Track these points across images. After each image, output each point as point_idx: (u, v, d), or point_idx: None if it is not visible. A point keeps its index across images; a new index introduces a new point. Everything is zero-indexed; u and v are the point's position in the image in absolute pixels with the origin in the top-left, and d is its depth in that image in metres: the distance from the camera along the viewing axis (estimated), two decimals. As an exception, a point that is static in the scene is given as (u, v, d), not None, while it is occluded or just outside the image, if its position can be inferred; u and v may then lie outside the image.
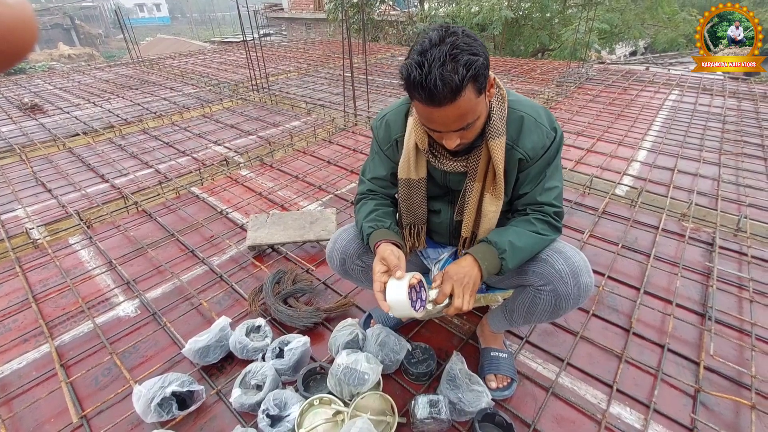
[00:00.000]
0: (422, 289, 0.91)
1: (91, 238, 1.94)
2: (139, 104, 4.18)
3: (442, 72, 0.71)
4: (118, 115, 3.82)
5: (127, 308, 1.52)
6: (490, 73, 0.82)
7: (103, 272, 1.72)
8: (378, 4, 10.48)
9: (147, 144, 3.14)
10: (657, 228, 1.93)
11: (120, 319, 1.48)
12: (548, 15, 8.71)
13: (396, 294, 0.85)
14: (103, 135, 3.35)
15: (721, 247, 1.80)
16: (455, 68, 0.71)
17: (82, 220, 2.06)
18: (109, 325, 1.45)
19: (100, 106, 4.16)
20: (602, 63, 7.88)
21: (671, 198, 2.20)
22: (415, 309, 0.86)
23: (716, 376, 1.23)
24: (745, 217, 1.98)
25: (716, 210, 2.10)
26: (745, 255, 1.75)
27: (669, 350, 1.30)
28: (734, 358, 1.28)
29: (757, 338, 1.35)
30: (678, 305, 1.49)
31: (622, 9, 8.08)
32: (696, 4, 12.86)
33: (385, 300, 0.87)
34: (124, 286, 1.63)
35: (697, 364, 1.26)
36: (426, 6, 10.55)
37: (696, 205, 2.13)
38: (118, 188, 2.41)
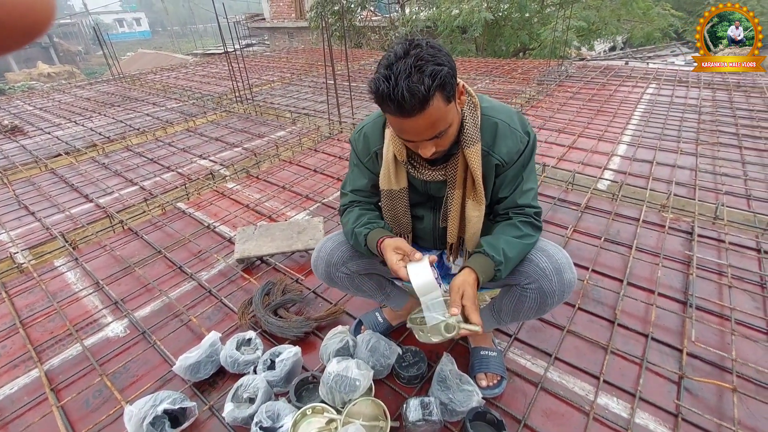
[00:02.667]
0: (438, 269, 0.95)
1: (77, 259, 1.92)
2: (121, 121, 4.16)
3: (408, 83, 0.73)
4: (100, 133, 3.79)
5: (115, 328, 1.52)
6: (459, 80, 0.85)
7: (90, 293, 1.71)
8: (359, 10, 10.55)
9: (131, 161, 3.12)
10: (638, 220, 1.98)
11: (109, 340, 1.47)
12: (527, 15, 8.84)
13: (422, 275, 0.89)
14: (86, 154, 3.32)
15: (700, 236, 1.85)
16: (421, 79, 0.74)
17: (67, 241, 2.04)
18: (98, 347, 1.44)
19: (82, 125, 4.13)
20: (582, 60, 8.04)
21: (651, 190, 2.26)
22: (439, 284, 0.91)
23: (699, 361, 1.27)
24: (722, 205, 2.04)
25: (694, 199, 2.16)
26: (723, 242, 1.81)
27: (653, 339, 1.34)
28: (715, 343, 1.32)
29: (737, 322, 1.40)
30: (660, 294, 1.52)
31: (598, 6, 8.25)
32: (669, -1, 13.18)
33: (411, 283, 0.90)
34: (112, 306, 1.62)
35: (680, 351, 1.29)
36: (407, 11, 10.65)
37: (675, 195, 2.19)
38: (103, 207, 2.40)
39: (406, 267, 0.92)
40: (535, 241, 0.97)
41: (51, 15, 0.22)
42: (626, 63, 6.71)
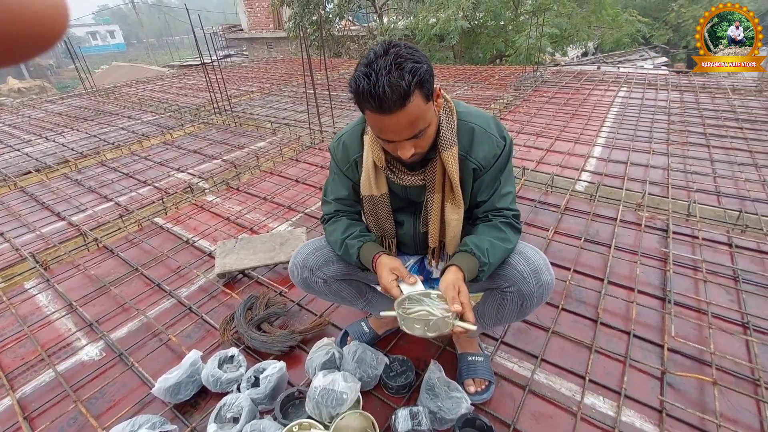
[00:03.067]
0: (419, 274, 1.00)
1: (48, 280, 1.84)
2: (95, 136, 4.04)
3: (389, 79, 0.74)
4: (73, 149, 3.67)
5: (90, 351, 1.45)
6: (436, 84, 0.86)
7: (63, 316, 1.63)
8: (337, 20, 10.61)
9: (105, 176, 3.03)
10: (615, 219, 2.03)
11: (84, 364, 1.40)
12: (502, 23, 9.07)
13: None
14: (58, 171, 3.21)
15: (674, 233, 1.90)
16: (401, 75, 0.75)
17: (38, 262, 1.95)
18: (72, 372, 1.38)
19: (54, 141, 3.99)
20: (556, 65, 8.27)
21: (626, 190, 2.32)
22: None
23: (680, 356, 1.30)
24: (694, 202, 2.11)
25: (668, 198, 2.22)
26: (697, 238, 1.86)
27: (635, 336, 1.36)
28: (694, 338, 1.36)
29: (713, 316, 1.44)
30: (640, 291, 1.56)
31: (570, 14, 8.52)
32: (636, 6, 13.76)
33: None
34: (86, 329, 1.56)
35: (662, 346, 1.32)
36: (385, 20, 10.78)
37: (649, 194, 2.25)
38: (76, 225, 2.31)
39: (398, 286, 0.94)
40: (514, 244, 0.98)
41: (65, 22, 0.21)
42: (598, 68, 6.93)
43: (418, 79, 0.76)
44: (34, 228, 2.33)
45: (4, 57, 0.19)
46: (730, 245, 1.82)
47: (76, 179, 3.00)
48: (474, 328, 0.86)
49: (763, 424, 1.09)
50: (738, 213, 1.99)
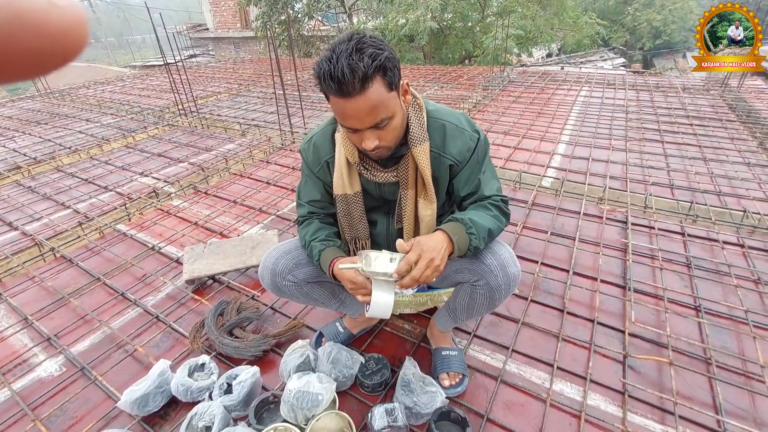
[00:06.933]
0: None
1: (0, 294, 1.73)
2: (50, 140, 3.82)
3: (349, 62, 0.75)
4: (25, 154, 3.45)
5: (49, 367, 1.37)
6: (403, 80, 0.87)
7: (18, 331, 1.54)
8: (306, 20, 10.51)
9: (62, 183, 2.87)
10: (579, 213, 2.11)
11: (42, 381, 1.33)
12: (469, 24, 9.26)
13: (384, 300, 0.91)
14: (9, 178, 3.01)
15: (633, 224, 2.01)
16: (361, 57, 0.76)
17: (-13, 275, 1.83)
18: (29, 389, 1.30)
19: (3, 146, 3.74)
20: (523, 66, 8.53)
21: (589, 185, 2.42)
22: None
23: (639, 340, 1.37)
24: (651, 195, 2.23)
25: (627, 191, 2.34)
26: (653, 228, 1.97)
27: (598, 323, 1.43)
28: (652, 322, 1.44)
29: (669, 301, 1.52)
30: (603, 281, 1.63)
31: (533, 16, 8.80)
32: (595, 9, 14.41)
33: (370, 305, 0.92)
34: (44, 343, 1.47)
35: (623, 332, 1.39)
36: (355, 20, 10.77)
37: (610, 188, 2.36)
38: (31, 235, 2.18)
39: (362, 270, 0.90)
40: (504, 223, 0.98)
41: (84, 39, 0.22)
42: (562, 68, 7.20)
43: (378, 63, 0.77)
44: (-17, 239, 2.18)
45: (25, 71, 0.20)
46: (683, 234, 1.93)
47: (30, 186, 2.83)
48: (404, 256, 0.86)
49: (715, 399, 1.17)
50: (689, 204, 2.12)
